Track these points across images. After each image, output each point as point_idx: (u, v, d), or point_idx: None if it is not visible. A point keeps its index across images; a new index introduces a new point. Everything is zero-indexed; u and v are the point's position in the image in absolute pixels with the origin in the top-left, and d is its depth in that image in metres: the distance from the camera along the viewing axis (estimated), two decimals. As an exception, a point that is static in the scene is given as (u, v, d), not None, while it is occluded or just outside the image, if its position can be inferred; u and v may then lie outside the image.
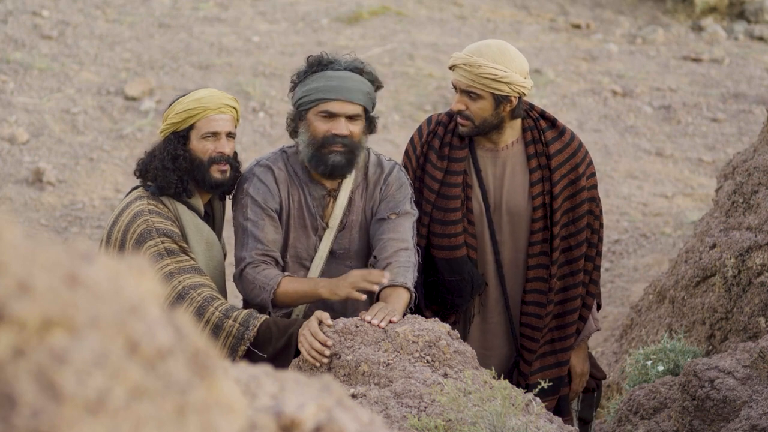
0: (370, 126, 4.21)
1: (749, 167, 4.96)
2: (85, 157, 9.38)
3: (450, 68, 4.32)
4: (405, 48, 11.65)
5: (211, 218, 4.31)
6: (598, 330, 4.63)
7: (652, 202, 9.02)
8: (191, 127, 4.14)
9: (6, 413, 1.26)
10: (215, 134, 4.13)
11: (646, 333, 5.48)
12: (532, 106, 4.44)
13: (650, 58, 11.79)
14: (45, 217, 8.55)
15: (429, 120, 4.49)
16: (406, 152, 4.48)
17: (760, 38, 12.30)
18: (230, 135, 4.17)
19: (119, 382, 1.33)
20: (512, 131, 4.37)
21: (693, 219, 8.40)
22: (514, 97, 4.23)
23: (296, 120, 4.18)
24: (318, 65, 4.16)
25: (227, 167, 4.14)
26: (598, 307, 4.68)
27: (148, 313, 1.42)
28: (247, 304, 4.25)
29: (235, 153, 4.26)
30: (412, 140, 4.48)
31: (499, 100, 4.23)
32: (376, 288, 3.87)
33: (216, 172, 4.13)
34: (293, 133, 4.22)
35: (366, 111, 4.16)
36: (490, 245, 4.42)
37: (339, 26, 12.15)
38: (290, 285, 4.05)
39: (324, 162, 4.12)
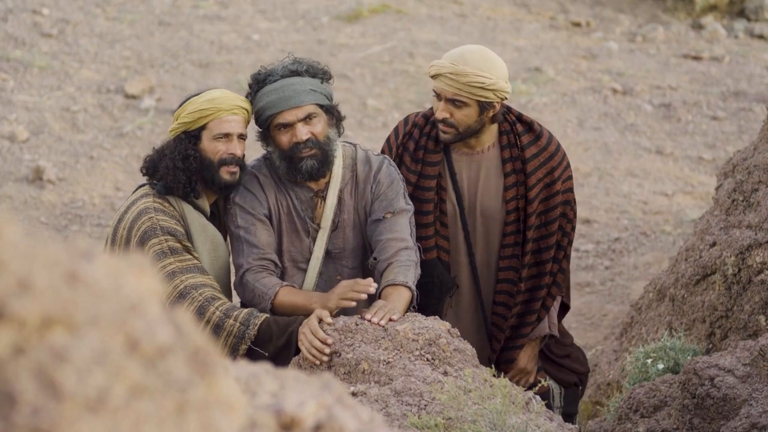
0: (334, 117, 4.19)
1: (749, 165, 4.95)
2: (85, 155, 9.38)
3: (432, 77, 4.29)
4: (405, 46, 11.64)
5: (218, 218, 4.30)
6: (552, 335, 4.58)
7: (652, 200, 9.02)
8: (203, 128, 4.13)
9: (6, 411, 1.26)
10: (227, 135, 4.13)
11: (646, 331, 5.48)
12: (509, 110, 4.42)
13: (650, 57, 11.78)
14: (45, 216, 8.55)
15: (406, 120, 4.48)
16: (382, 152, 4.47)
17: (761, 36, 12.29)
18: (241, 136, 4.17)
19: (119, 380, 1.33)
20: (489, 135, 4.37)
21: (693, 217, 8.40)
22: (498, 102, 4.23)
23: (265, 138, 4.19)
24: (257, 83, 4.16)
25: (237, 169, 4.14)
26: (567, 308, 4.67)
27: (148, 311, 1.42)
28: (245, 307, 4.25)
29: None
30: (388, 140, 4.48)
31: (484, 106, 4.22)
32: (364, 297, 3.87)
33: (225, 174, 4.13)
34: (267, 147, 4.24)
35: (322, 106, 4.14)
36: (464, 247, 4.42)
37: (339, 24, 12.15)
38: (287, 297, 4.06)
39: (299, 170, 4.13)
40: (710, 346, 4.84)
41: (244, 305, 4.21)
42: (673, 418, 4.16)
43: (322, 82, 4.16)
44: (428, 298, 4.37)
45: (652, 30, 12.32)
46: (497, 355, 4.52)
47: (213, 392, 1.45)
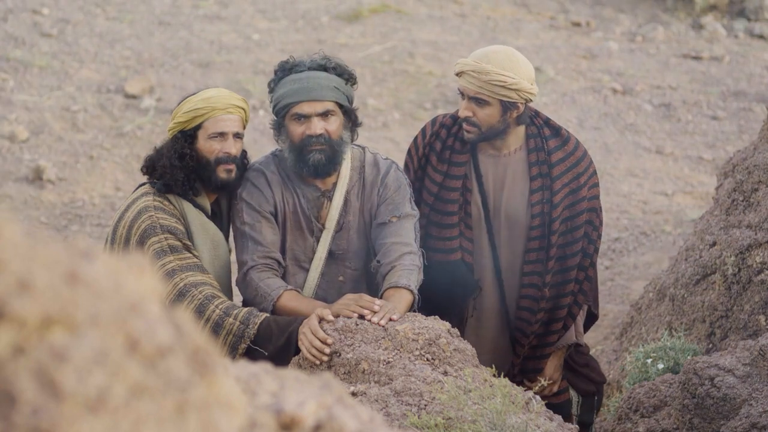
0: (351, 120, 4.20)
1: (749, 165, 4.95)
2: (85, 155, 9.38)
3: (456, 74, 4.29)
4: (405, 46, 11.64)
5: (219, 217, 4.30)
6: (578, 343, 4.57)
7: (652, 200, 9.02)
8: (199, 127, 4.15)
9: (6, 411, 1.26)
10: (222, 134, 4.14)
11: (646, 331, 5.48)
12: (537, 113, 4.41)
13: (650, 56, 11.78)
14: (45, 215, 8.55)
15: (433, 121, 4.47)
16: (409, 152, 4.47)
17: (761, 36, 12.30)
18: (237, 135, 4.17)
19: (119, 380, 1.33)
20: (516, 138, 4.35)
21: (693, 217, 8.40)
22: (521, 103, 4.23)
23: (278, 128, 4.19)
24: (282, 71, 4.17)
25: (233, 167, 4.15)
26: (595, 318, 4.65)
27: (148, 310, 1.42)
28: (247, 305, 4.25)
29: (244, 152, 4.27)
30: (415, 140, 4.47)
31: (507, 106, 4.21)
32: (366, 312, 3.86)
33: (222, 172, 4.14)
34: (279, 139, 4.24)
35: (341, 106, 4.15)
36: (488, 250, 4.40)
37: (339, 24, 12.15)
38: (290, 302, 4.05)
39: (306, 163, 4.13)
40: (710, 346, 4.84)
41: (245, 303, 4.22)
42: (673, 418, 4.16)
43: (346, 84, 4.16)
44: (451, 300, 4.36)
45: (652, 30, 12.32)
46: (522, 364, 4.49)
47: (213, 392, 1.45)
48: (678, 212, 8.76)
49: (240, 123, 4.18)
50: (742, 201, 4.89)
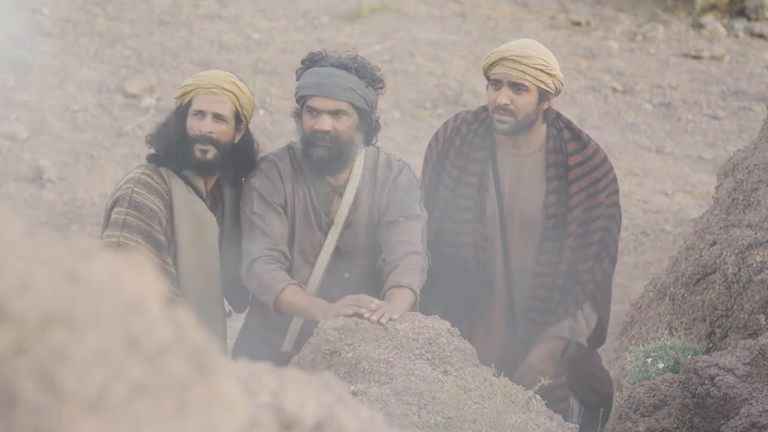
0: (366, 123, 4.20)
1: (749, 165, 4.95)
2: (86, 154, 9.38)
3: (490, 66, 4.28)
4: (405, 45, 11.64)
5: (220, 203, 4.31)
6: (581, 344, 4.48)
7: (652, 199, 9.02)
8: (190, 104, 4.21)
9: (6, 411, 1.26)
10: (201, 113, 4.18)
11: (646, 330, 5.48)
12: (559, 115, 4.43)
13: (650, 56, 11.78)
14: (45, 215, 8.55)
15: (455, 117, 4.49)
16: (429, 145, 4.49)
17: (761, 35, 12.29)
18: (218, 117, 4.17)
19: (119, 379, 1.33)
20: (538, 137, 4.35)
21: (693, 216, 8.40)
22: (552, 93, 4.24)
23: (298, 116, 4.23)
24: (309, 61, 4.22)
25: (209, 148, 4.16)
26: (603, 339, 4.57)
27: (148, 310, 1.42)
28: (255, 300, 4.28)
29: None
30: (436, 134, 4.49)
31: (542, 95, 4.26)
32: (364, 312, 3.86)
33: (197, 151, 4.17)
34: None
35: (357, 108, 4.15)
36: (501, 249, 4.39)
37: (339, 23, 12.15)
38: (292, 297, 4.06)
39: (310, 157, 4.16)
40: (710, 345, 4.84)
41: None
42: (673, 418, 4.16)
43: (366, 86, 4.16)
44: (459, 296, 4.36)
45: (652, 29, 12.32)
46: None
47: (213, 391, 1.45)
48: (678, 212, 8.76)
49: (225, 105, 4.19)
50: (743, 200, 4.89)
